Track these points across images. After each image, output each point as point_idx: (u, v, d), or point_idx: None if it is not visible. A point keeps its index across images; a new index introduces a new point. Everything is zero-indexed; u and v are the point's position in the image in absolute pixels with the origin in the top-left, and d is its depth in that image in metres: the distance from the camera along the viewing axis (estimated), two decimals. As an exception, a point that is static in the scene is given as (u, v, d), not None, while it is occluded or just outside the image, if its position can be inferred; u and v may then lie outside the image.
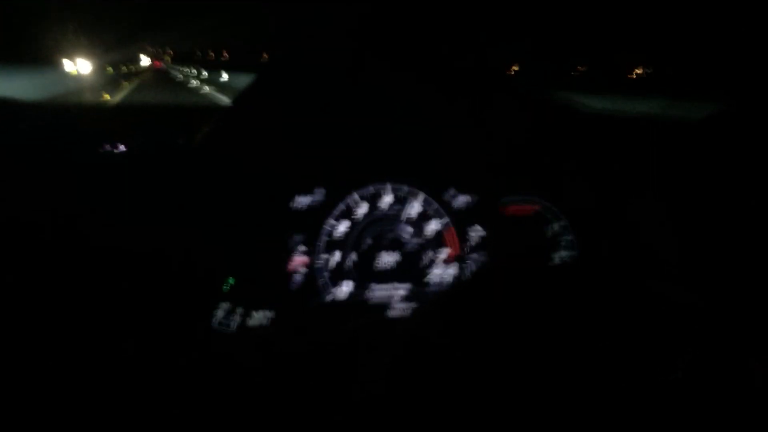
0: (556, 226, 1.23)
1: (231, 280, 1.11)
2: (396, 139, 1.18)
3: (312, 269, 1.16)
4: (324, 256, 1.17)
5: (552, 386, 0.68)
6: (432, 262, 1.20)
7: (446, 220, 1.21)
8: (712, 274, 1.06)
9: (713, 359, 0.74)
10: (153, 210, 1.07)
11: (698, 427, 0.65)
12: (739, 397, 0.68)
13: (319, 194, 1.17)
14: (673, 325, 0.79)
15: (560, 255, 1.22)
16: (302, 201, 1.16)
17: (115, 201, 1.06)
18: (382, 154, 1.19)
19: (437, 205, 1.21)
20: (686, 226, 1.13)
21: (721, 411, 0.66)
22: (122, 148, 1.15)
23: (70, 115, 1.41)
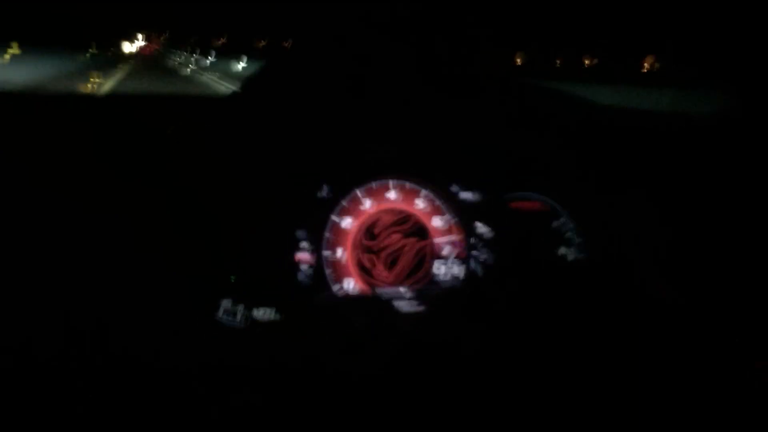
0: (561, 223, 1.23)
1: (232, 279, 1.11)
2: (401, 135, 1.17)
3: (317, 265, 1.15)
4: (329, 251, 1.16)
5: (556, 384, 0.68)
6: (437, 258, 1.20)
7: (452, 215, 1.20)
8: (717, 275, 1.06)
9: (715, 360, 0.75)
10: (156, 203, 1.05)
11: (699, 427, 0.65)
12: (742, 397, 0.68)
13: (324, 189, 1.16)
14: (671, 326, 0.79)
15: (566, 251, 1.22)
16: (307, 196, 1.15)
17: (116, 196, 1.04)
18: (387, 149, 1.17)
19: (443, 200, 1.20)
20: (693, 226, 1.13)
21: (723, 411, 0.66)
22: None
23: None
